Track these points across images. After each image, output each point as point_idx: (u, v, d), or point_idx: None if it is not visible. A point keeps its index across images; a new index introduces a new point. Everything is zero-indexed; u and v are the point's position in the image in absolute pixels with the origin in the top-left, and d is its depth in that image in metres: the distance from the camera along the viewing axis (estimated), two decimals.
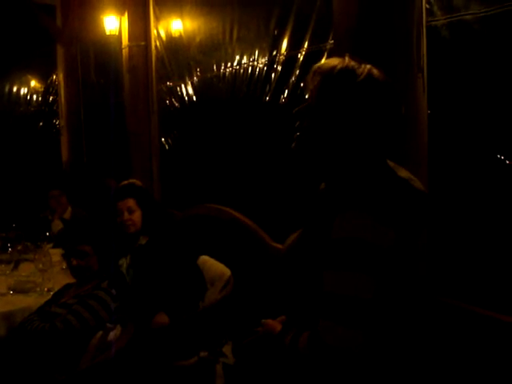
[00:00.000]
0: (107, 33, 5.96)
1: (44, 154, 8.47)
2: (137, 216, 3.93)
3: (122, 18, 5.94)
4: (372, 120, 1.60)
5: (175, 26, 5.42)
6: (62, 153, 8.64)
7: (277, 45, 3.97)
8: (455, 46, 2.73)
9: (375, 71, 1.64)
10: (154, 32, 5.84)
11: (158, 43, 5.82)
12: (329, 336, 1.49)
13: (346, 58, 1.66)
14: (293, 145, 1.75)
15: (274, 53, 4.00)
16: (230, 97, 4.65)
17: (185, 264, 3.83)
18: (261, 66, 4.18)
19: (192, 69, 5.20)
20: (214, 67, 4.84)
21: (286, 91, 3.88)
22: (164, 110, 5.87)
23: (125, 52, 5.99)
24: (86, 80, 8.30)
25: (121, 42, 6.04)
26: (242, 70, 4.44)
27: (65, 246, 3.44)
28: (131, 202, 3.93)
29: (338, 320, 1.49)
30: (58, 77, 8.52)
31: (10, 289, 3.89)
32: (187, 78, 5.30)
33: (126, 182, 4.71)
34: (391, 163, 1.71)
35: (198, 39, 5.04)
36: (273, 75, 4.05)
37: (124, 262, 3.94)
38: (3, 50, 8.12)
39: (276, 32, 3.96)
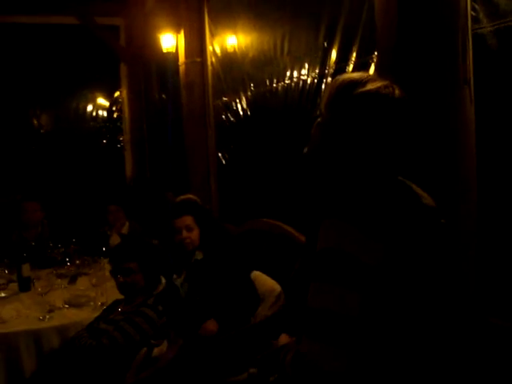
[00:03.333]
0: (164, 50, 6.06)
1: (108, 169, 8.68)
2: (195, 234, 3.91)
3: (179, 35, 6.03)
4: (373, 134, 1.58)
5: (229, 41, 5.46)
6: (125, 168, 8.86)
7: (326, 58, 3.92)
8: (503, 54, 2.61)
9: (386, 88, 1.61)
10: (209, 48, 5.91)
11: (213, 59, 5.87)
12: (310, 354, 1.43)
13: (361, 73, 1.66)
14: (304, 150, 1.73)
15: (324, 66, 3.96)
16: (282, 111, 4.63)
17: (239, 279, 3.82)
18: (311, 79, 4.14)
19: (246, 84, 5.21)
20: (267, 81, 4.84)
21: None
22: (220, 125, 5.91)
23: (182, 69, 6.08)
24: (148, 96, 8.51)
25: (177, 59, 6.13)
26: (293, 84, 4.42)
27: (112, 262, 3.48)
28: (189, 220, 3.92)
29: (320, 337, 1.43)
30: (122, 94, 8.76)
31: (65, 303, 3.98)
32: (241, 93, 5.32)
33: (183, 197, 4.75)
34: (407, 181, 1.68)
35: (250, 54, 5.05)
36: (323, 88, 4.00)
37: (179, 276, 3.97)
38: (70, 69, 8.40)
39: (325, 45, 3.92)
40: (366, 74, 1.64)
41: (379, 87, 1.59)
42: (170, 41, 6.05)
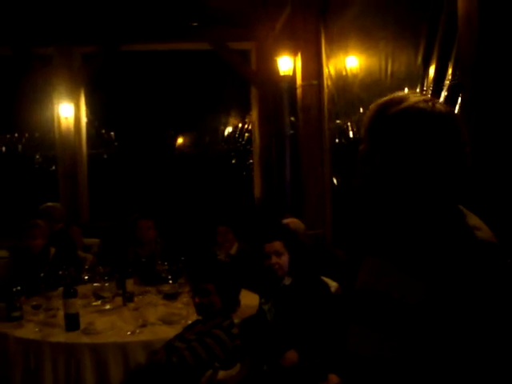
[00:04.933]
0: (281, 73, 6.11)
1: (236, 189, 8.89)
2: (284, 259, 3.88)
3: (296, 58, 6.06)
4: (415, 155, 1.43)
5: (342, 63, 5.39)
6: (254, 189, 9.01)
7: (424, 78, 3.73)
8: None
9: (424, 102, 1.47)
10: (325, 71, 5.87)
11: (329, 82, 5.83)
12: None
13: (405, 92, 1.56)
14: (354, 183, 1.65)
15: (422, 87, 3.77)
16: None
17: (325, 309, 3.72)
18: None
19: (355, 106, 5.11)
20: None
21: None
22: (334, 148, 5.83)
23: (298, 91, 6.09)
24: (277, 119, 8.60)
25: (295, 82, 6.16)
26: None
27: (190, 282, 3.53)
28: (279, 245, 3.88)
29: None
30: (253, 117, 8.94)
31: (159, 319, 4.09)
32: (352, 116, 5.22)
33: (287, 220, 4.73)
34: (465, 210, 1.50)
35: (360, 76, 4.95)
36: None
37: (267, 301, 3.94)
38: (203, 93, 8.75)
39: (423, 65, 3.73)
40: (407, 92, 1.53)
41: (415, 102, 1.46)
42: (288, 64, 6.09)
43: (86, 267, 5.15)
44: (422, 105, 1.45)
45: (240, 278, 3.62)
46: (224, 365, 3.07)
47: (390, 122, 1.47)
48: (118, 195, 9.16)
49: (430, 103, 1.46)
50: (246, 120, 9.04)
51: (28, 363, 3.76)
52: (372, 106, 1.53)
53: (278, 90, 8.24)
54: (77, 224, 7.63)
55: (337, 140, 5.71)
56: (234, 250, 5.58)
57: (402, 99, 1.48)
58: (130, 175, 9.00)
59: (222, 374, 3.02)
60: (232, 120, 9.24)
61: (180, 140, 9.00)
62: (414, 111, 1.45)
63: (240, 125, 9.21)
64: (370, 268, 1.41)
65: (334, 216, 5.97)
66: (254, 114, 8.90)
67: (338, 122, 5.67)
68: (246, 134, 9.09)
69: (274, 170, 8.69)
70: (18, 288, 4.16)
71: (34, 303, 4.22)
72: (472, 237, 1.40)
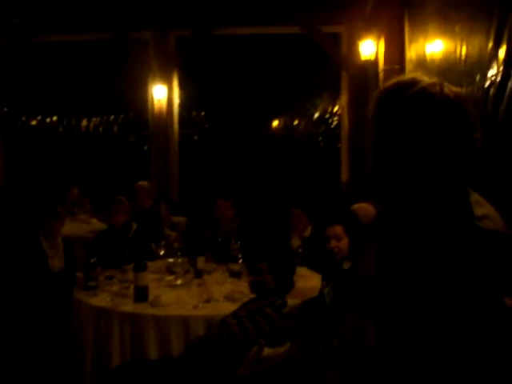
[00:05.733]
0: (362, 58, 6.06)
1: (322, 172, 8.89)
2: (343, 244, 3.91)
3: (379, 42, 5.98)
4: (430, 145, 1.38)
5: (422, 48, 5.26)
6: (341, 173, 8.98)
7: (494, 61, 3.60)
8: None
9: (433, 87, 1.41)
10: (408, 55, 5.75)
11: (410, 67, 5.71)
12: None
13: (411, 75, 1.49)
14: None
15: (492, 70, 3.64)
16: None
17: None
18: (482, 86, 3.83)
19: None
20: None
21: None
22: None
23: (381, 76, 6.02)
24: (366, 103, 8.49)
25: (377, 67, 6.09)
26: (470, 90, 4.11)
27: (246, 261, 3.63)
28: (339, 229, 3.93)
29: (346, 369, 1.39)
30: (342, 101, 8.89)
31: (223, 296, 4.23)
32: None
33: (357, 205, 4.73)
34: (476, 197, 1.46)
35: (437, 61, 4.82)
36: (490, 95, 3.67)
37: (327, 285, 3.97)
38: (294, 78, 8.79)
39: (494, 48, 3.59)
40: (413, 76, 1.47)
41: (425, 87, 1.41)
42: (371, 48, 6.02)
43: (162, 243, 5.35)
44: (432, 90, 1.40)
45: (294, 259, 3.68)
46: (271, 342, 3.15)
47: (401, 108, 1.41)
48: (207, 175, 9.42)
49: (438, 87, 1.41)
50: (336, 104, 9.00)
51: (98, 329, 4.02)
52: (377, 93, 1.49)
53: (367, 74, 8.15)
54: (167, 202, 7.92)
55: None
56: (307, 233, 5.63)
57: (410, 83, 1.43)
58: (219, 156, 9.22)
59: (267, 351, 3.10)
60: (321, 104, 9.23)
61: (269, 122, 9.11)
62: (426, 96, 1.39)
63: (329, 108, 9.18)
64: (370, 257, 1.40)
65: None
66: (344, 98, 8.84)
67: None
68: (335, 118, 9.05)
69: (362, 155, 8.61)
70: (94, 260, 4.43)
71: (107, 274, 4.49)
72: (476, 227, 1.36)
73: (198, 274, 4.72)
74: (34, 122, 10.17)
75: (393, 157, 1.42)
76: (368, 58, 6.06)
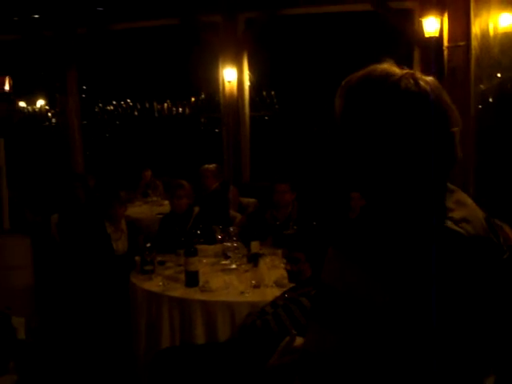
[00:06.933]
0: (426, 35, 5.86)
1: None
2: None
3: (443, 18, 5.77)
4: (402, 143, 1.30)
5: (485, 24, 5.04)
6: None
7: None
8: None
9: (407, 80, 1.32)
10: (473, 31, 5.52)
11: (475, 43, 5.48)
12: None
13: (376, 65, 1.39)
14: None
15: None
16: None
17: None
18: None
19: (494, 70, 4.78)
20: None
21: None
22: (478, 116, 5.50)
23: (445, 53, 5.81)
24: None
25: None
26: None
27: (285, 249, 3.64)
28: None
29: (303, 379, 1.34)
30: None
31: (274, 282, 4.26)
32: (492, 80, 4.89)
33: None
34: (458, 196, 1.38)
35: (499, 38, 4.61)
36: None
37: None
38: (363, 56, 8.61)
39: None
40: (383, 67, 1.36)
41: (396, 81, 1.32)
42: (434, 24, 5.81)
43: (220, 227, 5.38)
44: (406, 83, 1.31)
45: None
46: (303, 332, 3.16)
47: (372, 105, 1.32)
48: (278, 156, 9.43)
49: (411, 80, 1.32)
50: None
51: (150, 313, 4.17)
52: (345, 84, 1.39)
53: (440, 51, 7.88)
54: (238, 184, 8.00)
55: (480, 106, 5.38)
56: None
57: (382, 77, 1.34)
58: (289, 137, 9.21)
59: (299, 340, 3.11)
60: None
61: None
62: (399, 91, 1.30)
63: None
64: (332, 262, 1.31)
65: (477, 190, 5.66)
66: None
67: (481, 86, 5.34)
68: None
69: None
70: (149, 244, 4.57)
71: (159, 259, 4.62)
72: (450, 232, 1.27)
73: (253, 258, 4.76)
74: (110, 107, 10.57)
75: (363, 156, 1.35)
76: (432, 34, 5.83)
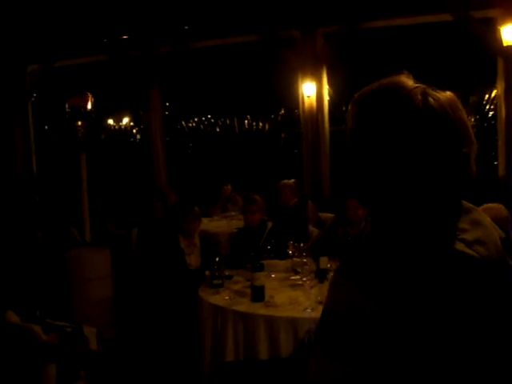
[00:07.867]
0: (504, 43, 5.65)
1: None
2: None
3: None
4: (410, 163, 1.25)
5: None
6: (499, 168, 8.44)
7: None
8: None
9: (415, 96, 1.27)
10: None
11: None
12: None
13: (390, 78, 1.35)
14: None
15: None
16: None
17: None
18: None
19: None
20: None
21: None
22: None
23: None
24: None
25: None
26: None
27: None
28: None
29: None
30: (498, 90, 8.33)
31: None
32: None
33: (486, 205, 4.52)
34: (474, 216, 1.33)
35: None
36: None
37: None
38: (441, 68, 8.42)
39: None
40: (397, 80, 1.32)
41: (406, 96, 1.27)
42: None
43: (291, 243, 5.40)
44: (414, 99, 1.26)
45: None
46: None
47: (381, 120, 1.27)
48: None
49: (419, 96, 1.27)
50: (489, 93, 8.46)
51: (216, 327, 4.24)
52: (357, 98, 1.35)
53: None
54: (317, 199, 7.99)
55: None
56: None
57: (393, 90, 1.30)
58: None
59: None
60: (475, 96, 8.73)
61: None
62: (407, 106, 1.26)
63: (486, 97, 8.65)
64: (335, 287, 1.29)
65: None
66: (500, 88, 8.26)
67: None
68: (491, 108, 8.51)
69: None
70: (217, 259, 4.65)
71: (227, 273, 4.69)
72: (460, 255, 1.22)
73: (320, 274, 4.75)
74: (192, 124, 10.84)
75: (368, 172, 1.31)
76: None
